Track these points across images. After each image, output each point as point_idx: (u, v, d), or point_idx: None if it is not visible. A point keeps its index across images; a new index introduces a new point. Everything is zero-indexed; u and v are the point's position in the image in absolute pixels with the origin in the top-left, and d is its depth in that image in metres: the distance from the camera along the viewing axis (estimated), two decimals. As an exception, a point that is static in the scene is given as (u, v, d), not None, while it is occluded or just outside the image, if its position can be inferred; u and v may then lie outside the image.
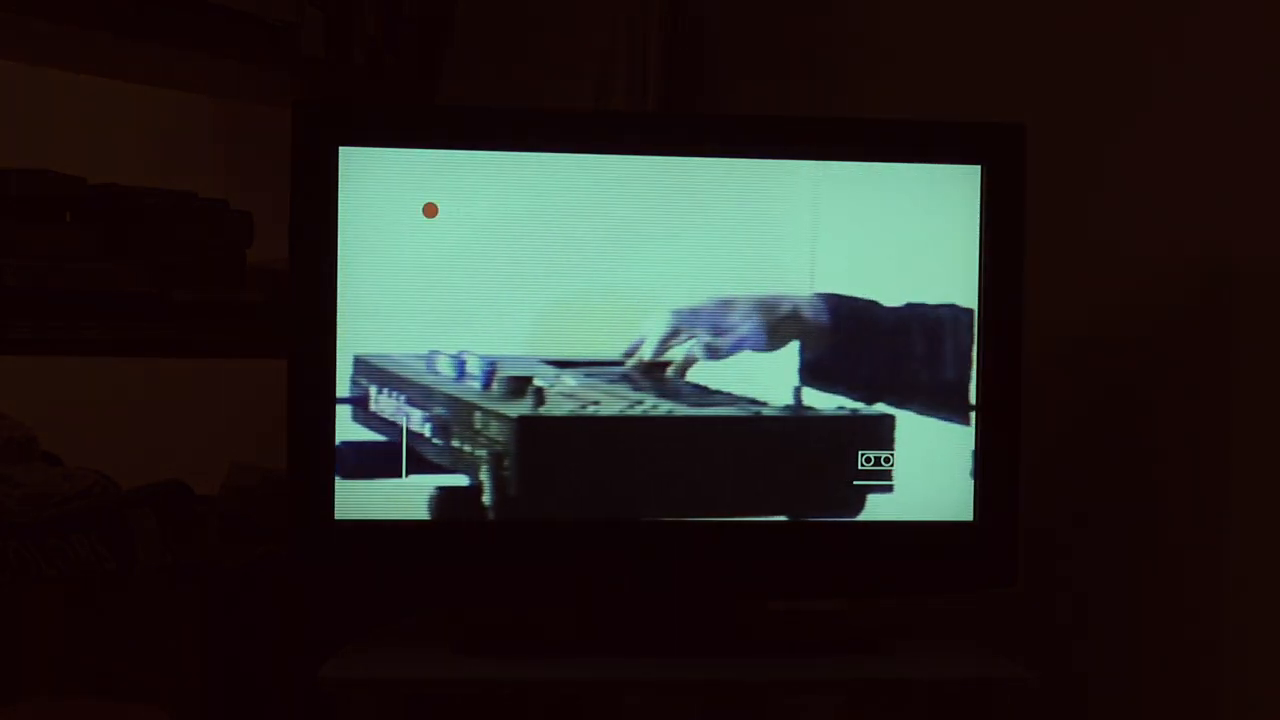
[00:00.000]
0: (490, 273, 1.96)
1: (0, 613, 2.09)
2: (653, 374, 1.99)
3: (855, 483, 2.02)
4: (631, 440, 1.98)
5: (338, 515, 1.95)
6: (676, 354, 1.99)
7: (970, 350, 2.02)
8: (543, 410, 1.97)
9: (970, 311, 2.02)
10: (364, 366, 1.95)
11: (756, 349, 1.99)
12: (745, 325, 1.99)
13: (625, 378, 1.98)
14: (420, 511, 1.97)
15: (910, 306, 2.01)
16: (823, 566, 2.03)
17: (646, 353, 1.99)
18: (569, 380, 1.98)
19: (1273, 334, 2.14)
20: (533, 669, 1.91)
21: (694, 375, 1.99)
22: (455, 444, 1.97)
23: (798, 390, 2.00)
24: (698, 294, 1.98)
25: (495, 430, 1.97)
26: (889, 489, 2.02)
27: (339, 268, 1.94)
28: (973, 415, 2.02)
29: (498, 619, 2.15)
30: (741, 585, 2.03)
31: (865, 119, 2.19)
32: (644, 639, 2.01)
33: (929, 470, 2.03)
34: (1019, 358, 2.03)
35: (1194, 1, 2.21)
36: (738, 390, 2.00)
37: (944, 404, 2.02)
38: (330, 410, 1.94)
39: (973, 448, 2.03)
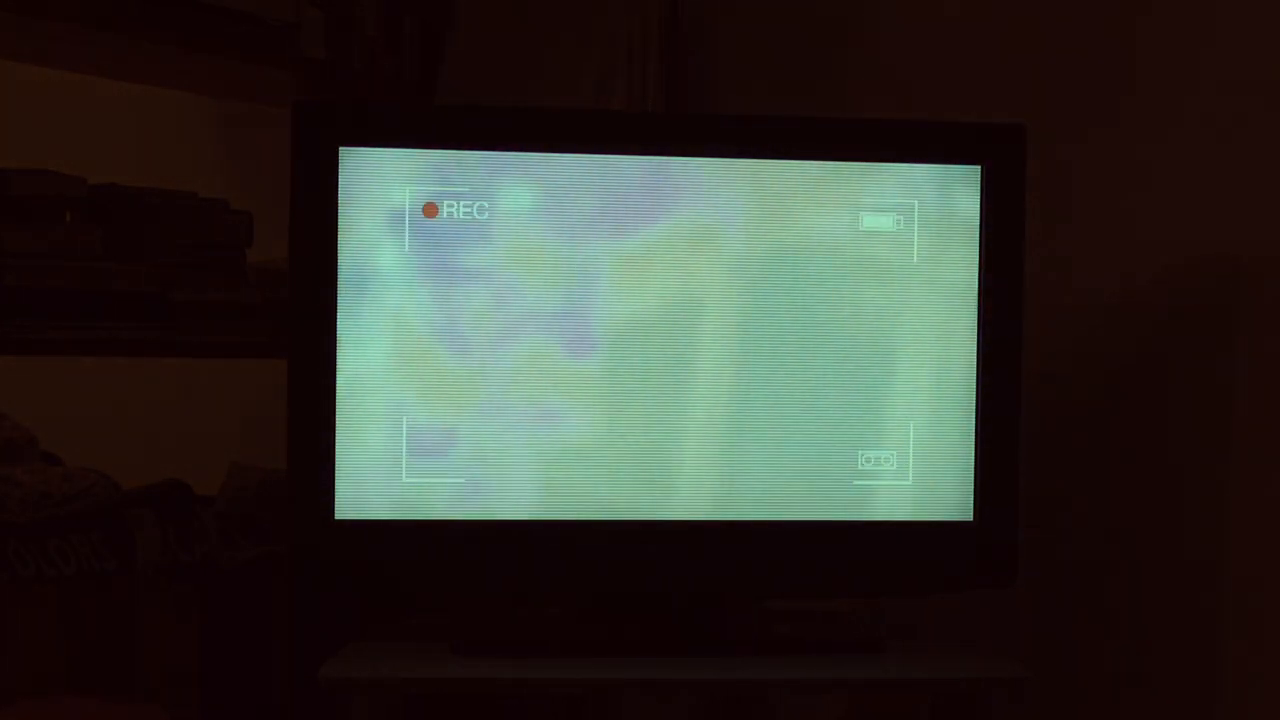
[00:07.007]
0: (491, 271, 1.96)
1: (0, 613, 2.09)
2: (659, 373, 1.99)
3: (855, 482, 2.02)
4: (634, 440, 1.99)
5: (338, 515, 1.95)
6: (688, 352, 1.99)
7: (971, 349, 2.02)
8: (543, 408, 1.97)
9: (970, 310, 2.02)
10: (364, 365, 1.95)
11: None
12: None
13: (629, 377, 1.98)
14: (420, 511, 1.97)
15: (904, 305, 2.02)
16: (823, 566, 2.02)
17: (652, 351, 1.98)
18: (571, 378, 1.98)
19: (1275, 333, 2.14)
20: (533, 669, 1.91)
21: (698, 366, 2.00)
22: (455, 443, 1.97)
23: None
24: (700, 292, 1.98)
25: (495, 428, 1.97)
26: (889, 489, 2.02)
27: (339, 268, 1.94)
28: (973, 415, 2.02)
29: (497, 619, 2.15)
30: (741, 585, 2.03)
31: (866, 119, 2.19)
32: (644, 639, 2.01)
33: (929, 470, 2.03)
34: (1019, 358, 2.03)
35: (1195, 1, 2.21)
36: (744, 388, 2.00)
37: (944, 404, 2.02)
38: (330, 410, 1.94)
39: (973, 448, 2.03)
